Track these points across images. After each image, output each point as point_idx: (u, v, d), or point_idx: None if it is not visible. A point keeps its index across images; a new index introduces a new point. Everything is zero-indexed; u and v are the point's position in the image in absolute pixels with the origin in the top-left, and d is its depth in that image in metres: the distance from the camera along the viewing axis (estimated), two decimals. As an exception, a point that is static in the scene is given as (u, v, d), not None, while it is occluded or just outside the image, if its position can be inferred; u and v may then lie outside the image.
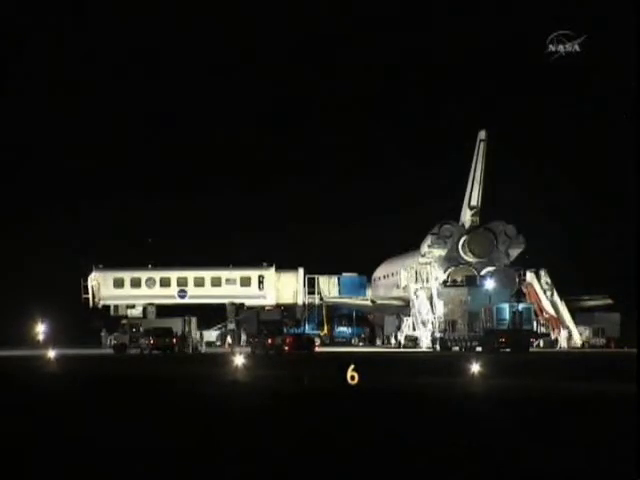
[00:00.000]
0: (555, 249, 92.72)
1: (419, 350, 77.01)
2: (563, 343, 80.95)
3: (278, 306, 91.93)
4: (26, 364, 56.05)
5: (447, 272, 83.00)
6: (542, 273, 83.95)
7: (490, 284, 78.04)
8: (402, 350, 79.43)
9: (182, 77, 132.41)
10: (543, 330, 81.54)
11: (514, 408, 26.37)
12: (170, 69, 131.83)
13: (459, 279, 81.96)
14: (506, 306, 72.72)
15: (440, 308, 78.07)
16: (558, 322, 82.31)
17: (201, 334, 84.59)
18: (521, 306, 73.58)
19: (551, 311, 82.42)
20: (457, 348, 74.96)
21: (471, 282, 79.50)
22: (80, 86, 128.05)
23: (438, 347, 76.12)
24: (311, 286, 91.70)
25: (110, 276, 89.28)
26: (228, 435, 20.95)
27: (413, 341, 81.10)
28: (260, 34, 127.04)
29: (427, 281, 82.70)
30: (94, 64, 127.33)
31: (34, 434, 21.12)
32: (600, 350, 76.59)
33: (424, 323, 79.70)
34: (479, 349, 72.09)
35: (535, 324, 76.06)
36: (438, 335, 76.81)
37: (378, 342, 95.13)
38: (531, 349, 72.86)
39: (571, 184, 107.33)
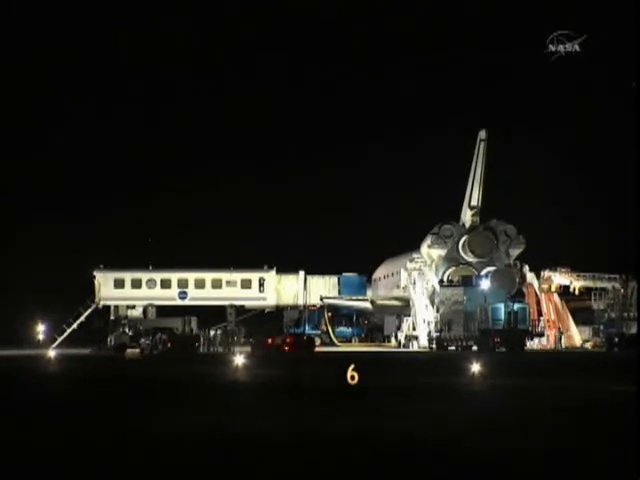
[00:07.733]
0: (555, 249, 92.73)
1: (415, 350, 77.03)
2: (563, 343, 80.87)
3: (278, 308, 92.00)
4: (24, 364, 56.00)
5: (447, 272, 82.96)
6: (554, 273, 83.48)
7: (486, 284, 78.30)
8: (401, 350, 79.39)
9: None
10: (542, 330, 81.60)
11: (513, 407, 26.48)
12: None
13: (455, 279, 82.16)
14: (501, 306, 73.61)
15: (437, 308, 78.08)
16: (558, 322, 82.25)
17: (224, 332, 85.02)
18: (516, 306, 74.13)
19: (551, 310, 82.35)
20: (453, 347, 75.24)
21: (467, 282, 79.60)
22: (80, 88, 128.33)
23: (435, 346, 76.06)
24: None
25: (111, 277, 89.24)
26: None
27: (411, 341, 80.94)
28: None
29: (427, 282, 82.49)
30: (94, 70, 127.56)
31: None
32: (598, 350, 76.39)
33: (424, 322, 79.46)
34: (475, 348, 72.70)
35: (529, 324, 76.10)
36: (434, 335, 76.80)
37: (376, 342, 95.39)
38: (525, 348, 73.73)
39: (571, 184, 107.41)
